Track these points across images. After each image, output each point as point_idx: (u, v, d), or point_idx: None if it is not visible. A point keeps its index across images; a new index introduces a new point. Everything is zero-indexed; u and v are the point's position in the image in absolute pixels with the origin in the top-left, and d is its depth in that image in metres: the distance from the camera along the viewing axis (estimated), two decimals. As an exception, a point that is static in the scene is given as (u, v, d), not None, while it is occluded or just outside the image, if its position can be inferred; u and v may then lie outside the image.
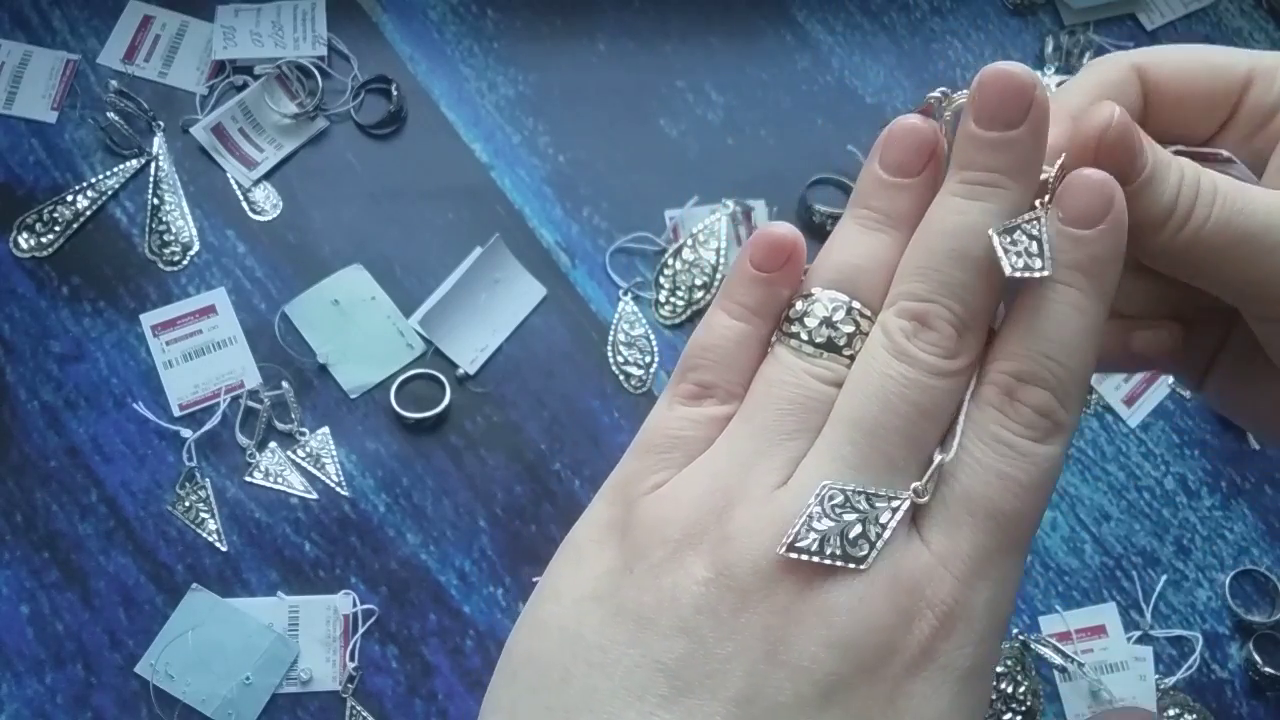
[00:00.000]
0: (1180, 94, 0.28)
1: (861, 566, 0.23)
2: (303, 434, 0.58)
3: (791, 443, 0.26)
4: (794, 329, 0.27)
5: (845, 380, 0.26)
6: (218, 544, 0.56)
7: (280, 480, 0.58)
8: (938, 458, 0.25)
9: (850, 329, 0.26)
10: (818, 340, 0.27)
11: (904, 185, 0.27)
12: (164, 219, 0.62)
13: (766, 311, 0.29)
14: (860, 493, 0.24)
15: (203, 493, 0.57)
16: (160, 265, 0.61)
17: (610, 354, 0.61)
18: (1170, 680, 0.58)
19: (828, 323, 0.27)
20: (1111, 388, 0.63)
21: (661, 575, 0.24)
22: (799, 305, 0.27)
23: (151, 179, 0.62)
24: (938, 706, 0.23)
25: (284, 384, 0.58)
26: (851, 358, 0.26)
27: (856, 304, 0.27)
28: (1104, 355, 0.30)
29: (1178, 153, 0.27)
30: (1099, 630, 0.58)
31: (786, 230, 0.28)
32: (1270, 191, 0.26)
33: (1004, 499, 0.24)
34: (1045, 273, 0.24)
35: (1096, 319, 0.25)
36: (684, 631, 0.24)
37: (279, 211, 0.63)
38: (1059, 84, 0.71)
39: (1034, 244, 0.24)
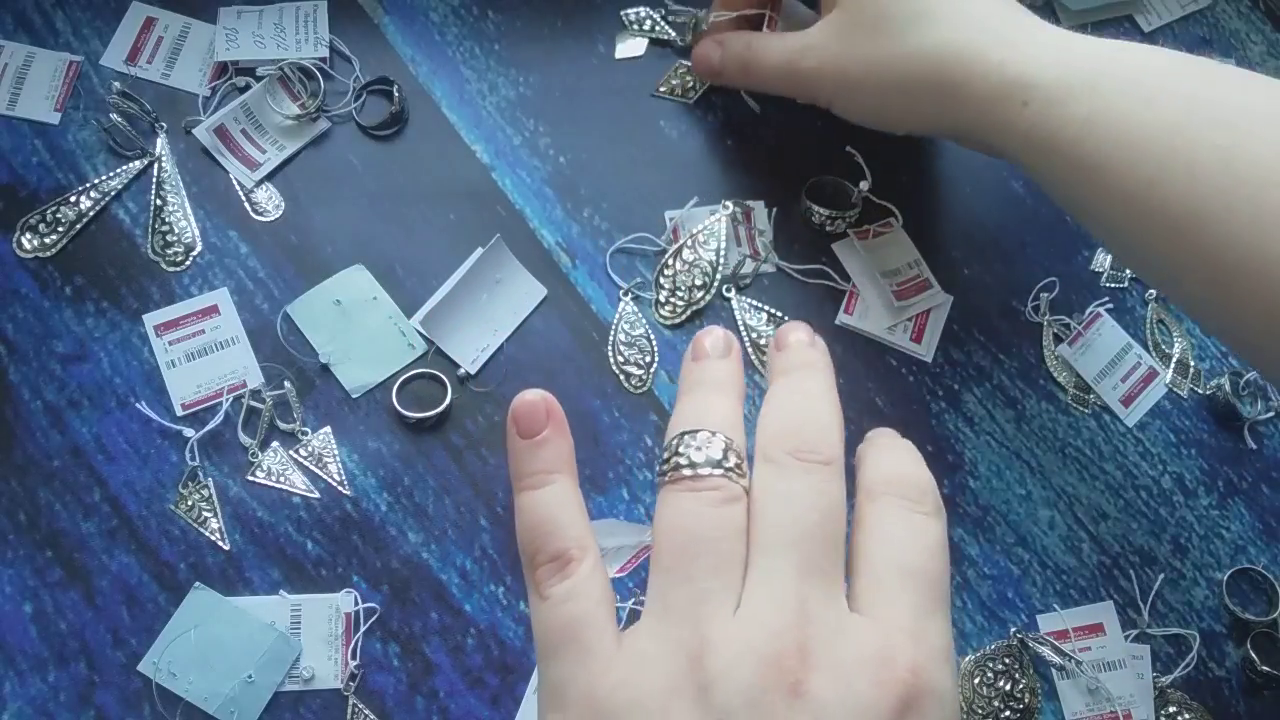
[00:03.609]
0: None
1: None
2: (305, 433, 0.59)
3: (716, 578, 0.27)
4: (673, 462, 0.29)
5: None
6: (220, 543, 0.56)
7: (282, 479, 0.58)
8: None
9: (721, 445, 0.30)
10: (699, 461, 0.29)
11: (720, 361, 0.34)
12: (167, 220, 0.62)
13: (559, 466, 0.31)
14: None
15: (205, 492, 0.57)
16: (163, 266, 0.61)
17: (610, 354, 0.61)
18: (1168, 679, 0.58)
19: (700, 448, 0.29)
20: (1109, 388, 0.63)
21: None
22: (668, 454, 0.30)
23: (154, 180, 0.62)
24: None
25: (286, 384, 0.59)
26: (731, 470, 0.29)
27: (713, 430, 0.30)
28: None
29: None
30: (1096, 629, 0.58)
31: (532, 394, 0.32)
32: (777, 35, 0.48)
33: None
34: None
35: None
36: None
37: (281, 212, 0.63)
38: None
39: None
